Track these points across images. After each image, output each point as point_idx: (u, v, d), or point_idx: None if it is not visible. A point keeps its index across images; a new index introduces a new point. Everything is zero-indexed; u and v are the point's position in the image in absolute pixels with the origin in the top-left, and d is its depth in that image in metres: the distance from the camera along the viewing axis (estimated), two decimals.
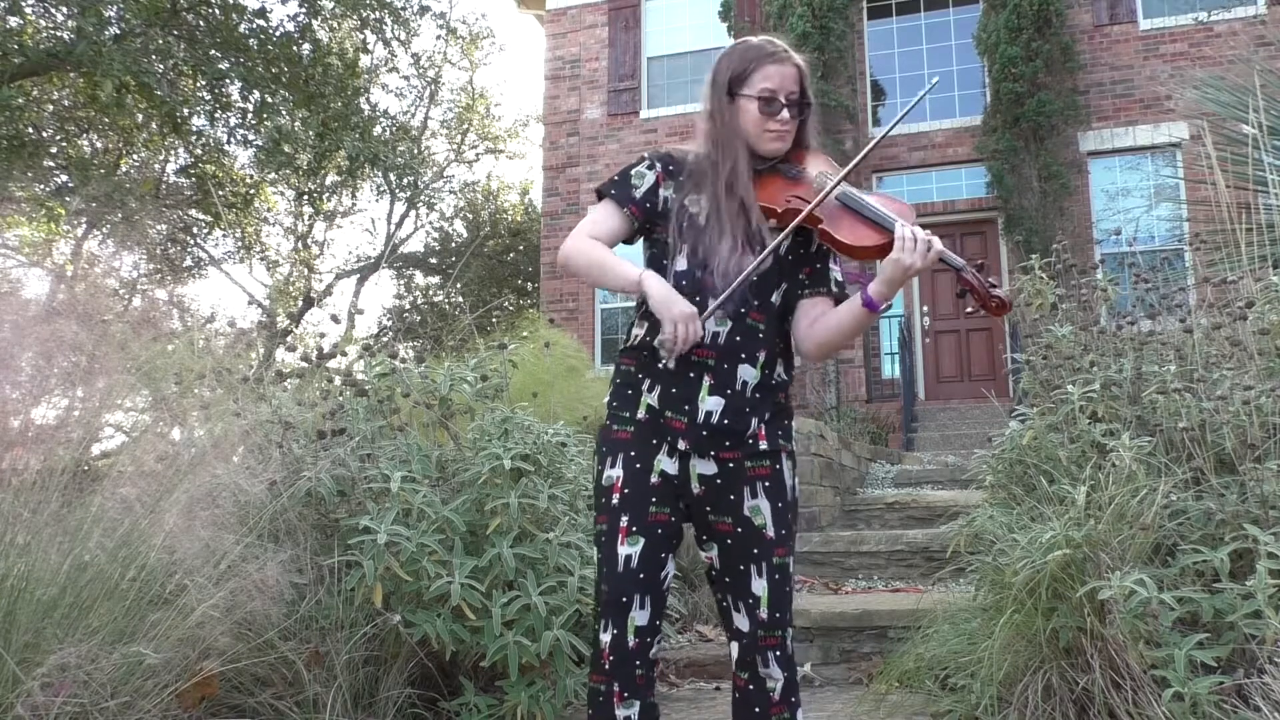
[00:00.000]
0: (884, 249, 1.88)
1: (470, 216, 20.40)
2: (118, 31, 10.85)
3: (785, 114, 1.97)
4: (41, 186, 12.21)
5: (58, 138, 13.08)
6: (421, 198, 19.45)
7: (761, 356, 1.97)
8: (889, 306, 1.92)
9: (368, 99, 15.72)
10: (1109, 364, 3.12)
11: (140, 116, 12.97)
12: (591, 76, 13.71)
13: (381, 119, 16.01)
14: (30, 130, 11.37)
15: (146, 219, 14.21)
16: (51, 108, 12.99)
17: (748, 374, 1.96)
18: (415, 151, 18.02)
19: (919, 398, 11.47)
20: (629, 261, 1.96)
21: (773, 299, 1.99)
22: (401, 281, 21.20)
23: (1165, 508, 2.55)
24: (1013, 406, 4.80)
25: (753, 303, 1.96)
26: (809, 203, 1.91)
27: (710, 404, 1.94)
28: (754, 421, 1.97)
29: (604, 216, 2.01)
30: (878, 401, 11.44)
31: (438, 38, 20.80)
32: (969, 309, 1.92)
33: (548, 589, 2.79)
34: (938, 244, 1.84)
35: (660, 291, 1.88)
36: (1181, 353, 3.07)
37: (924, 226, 1.87)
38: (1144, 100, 11.50)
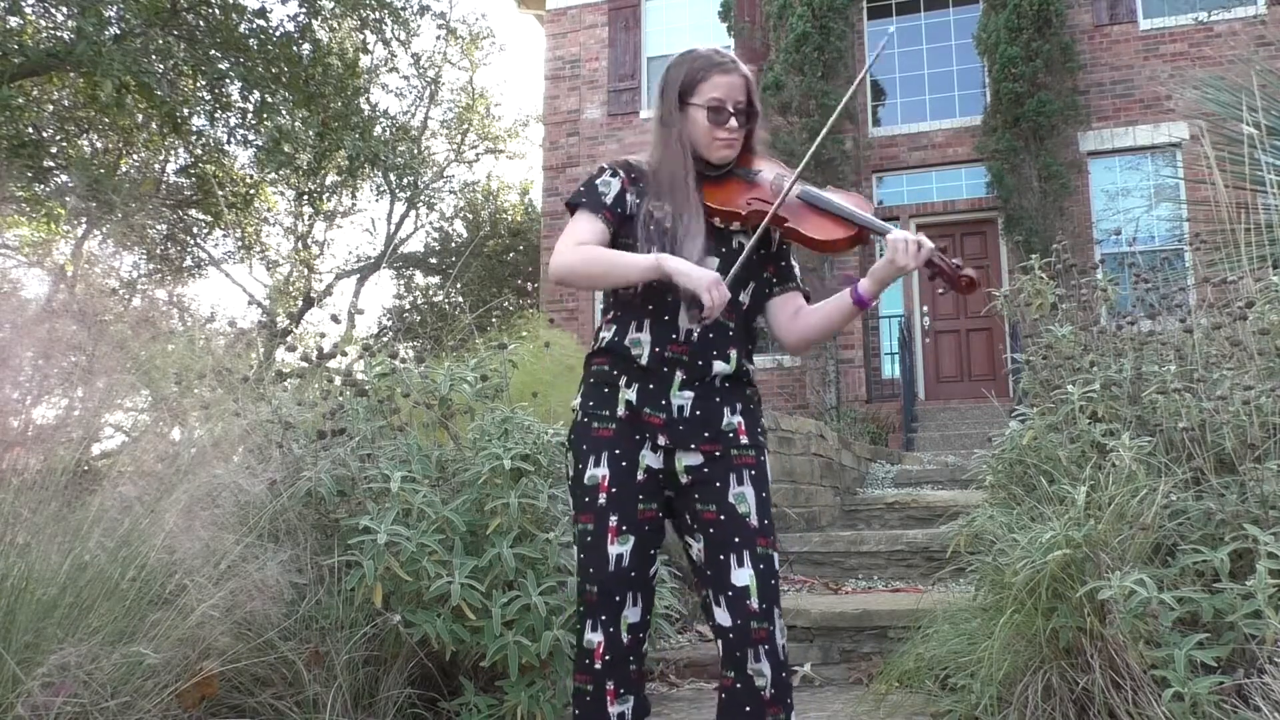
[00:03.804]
0: (851, 241, 2.00)
1: (470, 216, 20.39)
2: (118, 31, 10.84)
3: (733, 123, 2.03)
4: (41, 186, 12.20)
5: (58, 138, 13.07)
6: (421, 198, 19.44)
7: (732, 354, 2.04)
8: (877, 301, 1.99)
9: (368, 99, 15.71)
10: (1109, 364, 3.11)
11: (140, 116, 12.97)
12: (591, 76, 13.71)
13: (381, 119, 15.99)
14: (30, 130, 11.36)
15: (146, 218, 14.21)
16: (51, 108, 12.98)
17: (720, 368, 2.02)
18: (415, 151, 18.00)
19: (919, 398, 11.46)
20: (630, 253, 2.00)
21: (740, 298, 2.06)
22: (401, 281, 21.20)
23: (1165, 508, 2.55)
24: (1013, 406, 4.80)
25: None
26: (770, 203, 1.99)
27: (681, 398, 2.00)
28: (726, 412, 2.02)
29: (585, 225, 2.03)
30: (878, 401, 11.44)
31: (438, 38, 20.78)
32: (940, 290, 2.03)
33: (548, 589, 2.79)
34: (928, 244, 1.93)
35: (683, 266, 1.90)
36: (1181, 353, 3.07)
37: (924, 227, 1.90)
38: (1144, 100, 11.50)
